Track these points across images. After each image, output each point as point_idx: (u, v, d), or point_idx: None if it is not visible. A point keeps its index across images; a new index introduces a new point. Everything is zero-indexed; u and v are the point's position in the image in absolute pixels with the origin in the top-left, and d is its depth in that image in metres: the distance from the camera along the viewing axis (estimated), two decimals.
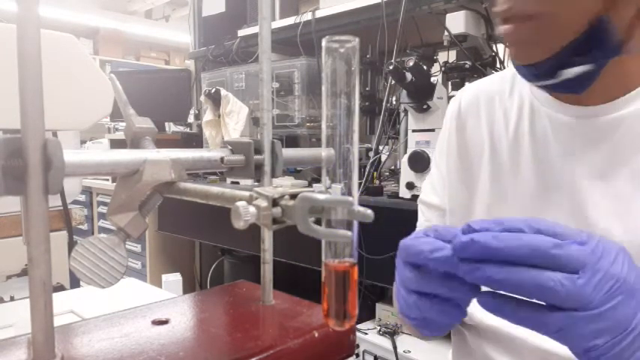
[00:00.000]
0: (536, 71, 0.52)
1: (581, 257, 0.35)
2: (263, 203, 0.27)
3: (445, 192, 0.69)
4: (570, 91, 0.55)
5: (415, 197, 0.78)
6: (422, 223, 0.73)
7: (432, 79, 1.44)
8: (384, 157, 1.63)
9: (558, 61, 0.50)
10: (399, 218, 1.30)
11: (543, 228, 0.36)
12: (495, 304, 0.38)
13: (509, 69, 0.69)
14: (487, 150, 0.64)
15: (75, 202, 1.28)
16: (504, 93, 0.65)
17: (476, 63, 1.40)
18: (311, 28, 1.78)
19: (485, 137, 0.65)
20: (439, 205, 0.70)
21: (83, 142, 2.84)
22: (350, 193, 0.24)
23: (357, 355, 1.46)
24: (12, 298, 1.04)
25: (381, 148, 1.58)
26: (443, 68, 1.49)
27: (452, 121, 0.69)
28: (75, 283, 1.16)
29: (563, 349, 0.48)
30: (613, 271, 0.35)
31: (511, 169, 0.61)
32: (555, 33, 0.49)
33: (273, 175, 0.35)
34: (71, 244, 1.17)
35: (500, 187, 0.62)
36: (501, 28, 0.52)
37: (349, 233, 0.24)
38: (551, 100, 0.60)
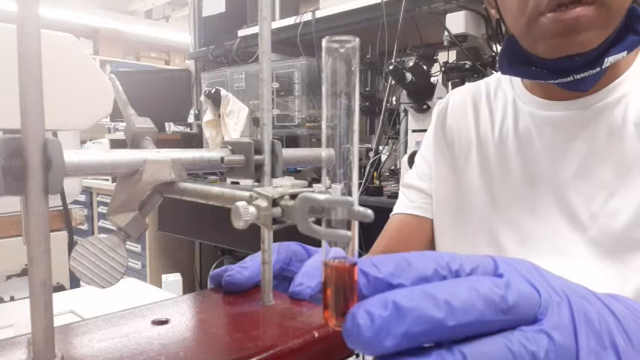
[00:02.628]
0: (581, 61, 0.52)
1: (531, 297, 0.24)
2: (263, 203, 0.27)
3: (432, 181, 0.72)
4: (581, 88, 0.56)
5: None
6: (405, 204, 0.75)
7: (432, 79, 1.44)
8: (384, 157, 1.64)
9: (606, 47, 0.52)
10: None
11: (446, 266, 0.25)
12: None
13: (494, 75, 0.72)
14: (474, 146, 0.67)
15: (75, 202, 1.28)
16: (490, 94, 0.69)
17: (476, 63, 1.40)
18: (311, 28, 1.78)
19: (473, 135, 0.68)
20: (425, 189, 0.73)
21: (83, 142, 2.84)
22: (350, 193, 0.24)
23: (357, 355, 1.46)
24: (12, 298, 1.04)
25: (381, 148, 1.58)
26: (443, 68, 1.49)
27: (438, 119, 0.74)
28: (75, 283, 1.16)
29: None
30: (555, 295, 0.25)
31: (498, 166, 0.64)
32: (612, 15, 0.50)
33: (273, 175, 0.35)
34: (71, 244, 1.17)
35: (490, 183, 0.65)
36: (565, 14, 0.49)
37: (349, 233, 0.24)
38: (533, 98, 0.62)
